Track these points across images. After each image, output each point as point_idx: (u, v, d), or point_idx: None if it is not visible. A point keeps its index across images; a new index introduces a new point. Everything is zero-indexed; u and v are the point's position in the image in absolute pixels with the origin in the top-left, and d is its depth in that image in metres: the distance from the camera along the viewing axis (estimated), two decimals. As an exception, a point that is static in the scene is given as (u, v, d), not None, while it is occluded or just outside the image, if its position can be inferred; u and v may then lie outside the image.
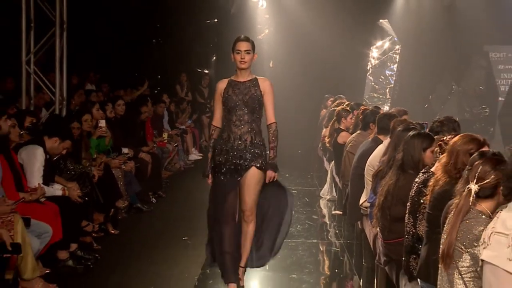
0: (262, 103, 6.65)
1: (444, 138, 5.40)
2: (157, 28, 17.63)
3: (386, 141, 7.31)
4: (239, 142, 6.59)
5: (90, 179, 8.50)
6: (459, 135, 5.00)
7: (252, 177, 6.61)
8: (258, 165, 6.60)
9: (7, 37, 10.74)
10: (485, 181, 4.09)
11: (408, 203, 5.35)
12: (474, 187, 4.12)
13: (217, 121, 6.81)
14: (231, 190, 6.64)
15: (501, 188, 3.94)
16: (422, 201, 5.08)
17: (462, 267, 4.05)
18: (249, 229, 6.68)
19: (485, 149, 4.52)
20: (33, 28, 10.48)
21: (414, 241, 5.23)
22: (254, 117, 6.64)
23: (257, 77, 6.74)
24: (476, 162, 4.17)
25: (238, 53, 6.57)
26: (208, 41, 19.38)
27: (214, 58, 19.72)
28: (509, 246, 3.54)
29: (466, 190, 4.17)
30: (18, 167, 7.24)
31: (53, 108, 10.71)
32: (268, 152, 6.72)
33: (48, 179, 7.59)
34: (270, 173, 6.63)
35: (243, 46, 6.58)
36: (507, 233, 3.59)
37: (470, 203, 4.10)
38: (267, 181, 6.68)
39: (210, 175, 6.71)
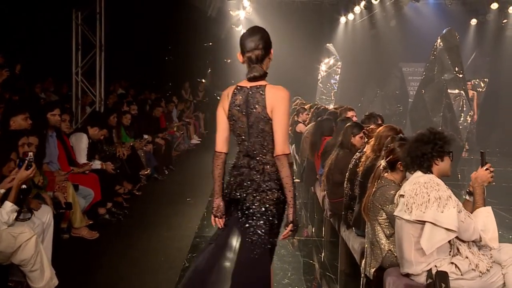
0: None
1: (368, 127, 5.40)
2: (169, 50, 17.55)
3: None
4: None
5: (121, 157, 8.45)
6: (383, 125, 5.01)
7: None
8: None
9: (62, 55, 10.68)
10: (389, 158, 4.16)
11: (347, 173, 5.35)
12: (383, 162, 4.23)
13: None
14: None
15: (401, 163, 4.03)
16: (356, 172, 5.07)
17: (380, 219, 4.12)
18: None
19: (399, 135, 4.53)
20: (80, 49, 10.56)
21: (351, 200, 5.24)
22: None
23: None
24: (389, 145, 4.22)
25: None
26: (205, 59, 19.35)
27: (209, 71, 19.67)
28: (404, 202, 3.63)
29: (379, 164, 4.27)
30: (69, 148, 7.20)
31: (94, 106, 10.65)
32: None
33: (90, 157, 7.54)
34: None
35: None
36: (403, 194, 3.68)
37: (381, 174, 4.20)
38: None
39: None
